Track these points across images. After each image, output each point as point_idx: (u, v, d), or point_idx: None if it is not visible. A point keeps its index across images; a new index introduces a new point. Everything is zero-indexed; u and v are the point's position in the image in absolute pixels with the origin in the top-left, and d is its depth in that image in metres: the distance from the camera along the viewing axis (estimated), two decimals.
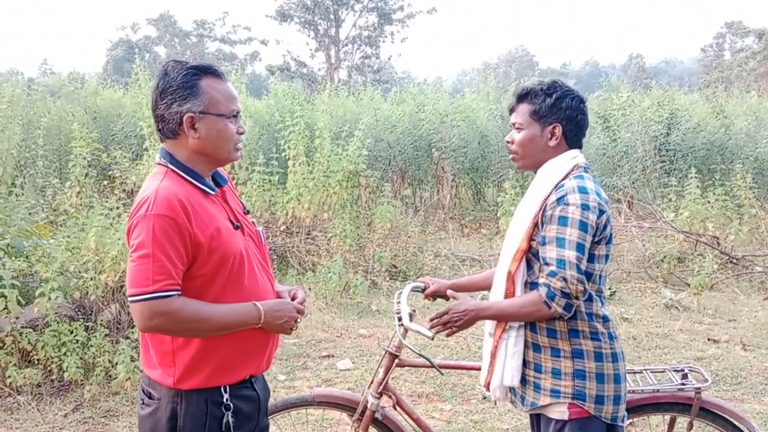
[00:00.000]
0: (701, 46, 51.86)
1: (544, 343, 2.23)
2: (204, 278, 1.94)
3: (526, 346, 2.27)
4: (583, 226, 2.12)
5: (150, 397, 2.00)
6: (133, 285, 1.85)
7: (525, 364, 2.28)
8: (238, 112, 2.02)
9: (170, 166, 1.98)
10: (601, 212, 2.16)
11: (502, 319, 2.27)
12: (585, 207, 2.13)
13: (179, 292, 1.87)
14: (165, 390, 1.97)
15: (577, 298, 2.13)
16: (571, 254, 2.11)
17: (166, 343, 1.96)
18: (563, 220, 2.13)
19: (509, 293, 2.25)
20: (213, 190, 2.04)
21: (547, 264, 2.16)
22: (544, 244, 2.17)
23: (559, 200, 2.15)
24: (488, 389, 2.34)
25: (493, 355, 2.29)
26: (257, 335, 2.06)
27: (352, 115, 11.54)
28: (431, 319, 2.34)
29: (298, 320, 2.10)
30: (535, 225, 2.21)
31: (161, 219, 1.84)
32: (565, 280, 2.11)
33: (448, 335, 2.33)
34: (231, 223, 2.03)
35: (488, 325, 2.34)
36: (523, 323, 2.25)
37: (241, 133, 2.04)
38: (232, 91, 2.03)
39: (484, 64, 55.54)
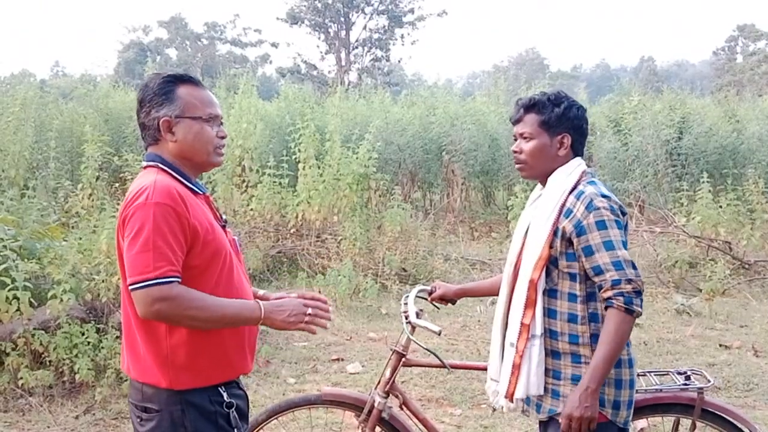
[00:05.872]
0: (713, 49, 51.67)
1: (565, 349, 2.22)
2: (197, 270, 1.94)
3: (545, 354, 2.25)
4: (619, 225, 2.17)
5: (147, 411, 1.96)
6: (135, 273, 1.84)
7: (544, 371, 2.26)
8: (216, 116, 2.06)
9: (160, 165, 2.02)
10: (623, 214, 2.22)
11: (611, 364, 2.11)
12: (613, 210, 2.17)
13: (179, 280, 1.87)
14: (164, 397, 1.94)
15: (642, 291, 2.17)
16: (623, 253, 2.14)
17: (161, 340, 1.93)
18: (602, 224, 2.14)
19: (530, 301, 2.23)
20: (201, 190, 2.09)
21: (601, 272, 2.13)
22: (591, 254, 2.14)
23: (588, 207, 2.16)
24: (511, 400, 2.30)
25: (517, 366, 2.26)
26: (246, 333, 2.06)
27: (363, 118, 11.53)
28: None
29: (309, 312, 2.00)
30: (554, 232, 2.20)
31: (161, 207, 1.86)
32: (630, 281, 2.12)
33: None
34: (218, 222, 2.08)
35: (510, 335, 2.30)
36: (543, 330, 2.24)
37: (222, 137, 2.08)
38: (210, 97, 2.09)
39: (495, 67, 55.58)
